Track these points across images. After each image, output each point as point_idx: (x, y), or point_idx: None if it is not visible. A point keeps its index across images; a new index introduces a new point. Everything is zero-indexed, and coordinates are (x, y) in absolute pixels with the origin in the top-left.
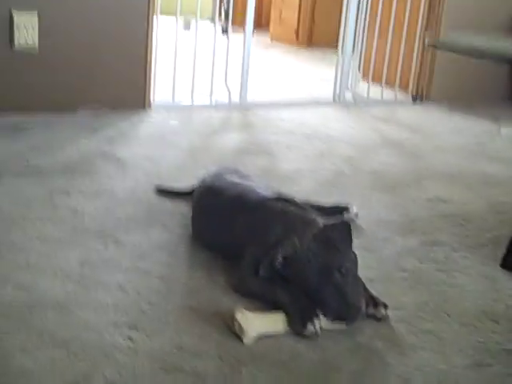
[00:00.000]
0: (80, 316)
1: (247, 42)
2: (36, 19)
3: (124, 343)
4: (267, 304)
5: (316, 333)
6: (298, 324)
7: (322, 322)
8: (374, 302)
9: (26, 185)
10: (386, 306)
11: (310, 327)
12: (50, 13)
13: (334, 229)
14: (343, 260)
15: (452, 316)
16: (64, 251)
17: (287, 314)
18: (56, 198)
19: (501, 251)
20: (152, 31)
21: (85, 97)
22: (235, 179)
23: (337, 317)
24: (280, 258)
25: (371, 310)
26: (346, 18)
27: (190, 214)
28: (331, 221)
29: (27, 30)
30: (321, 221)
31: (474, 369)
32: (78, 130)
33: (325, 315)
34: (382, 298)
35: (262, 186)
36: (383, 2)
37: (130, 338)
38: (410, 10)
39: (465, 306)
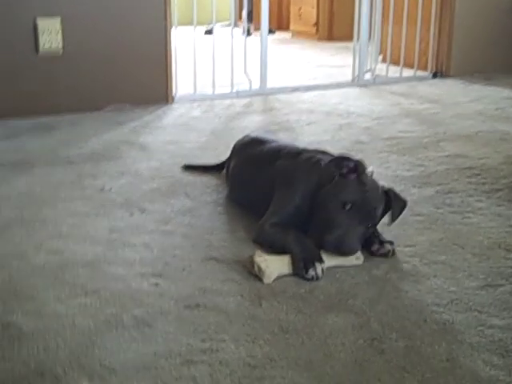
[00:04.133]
0: (108, 271)
1: (264, 29)
2: (59, 24)
3: (150, 289)
4: (280, 251)
5: (317, 276)
6: (300, 268)
7: (328, 263)
8: (379, 240)
9: (55, 172)
10: (391, 243)
11: (310, 272)
12: (73, 18)
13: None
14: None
15: (465, 248)
16: (92, 222)
17: (292, 258)
18: (84, 180)
19: None
20: (170, 29)
21: (109, 96)
22: (273, 137)
23: (332, 248)
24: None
25: (376, 247)
26: (359, 4)
27: (227, 172)
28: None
29: (51, 34)
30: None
31: (485, 289)
32: (104, 124)
33: (323, 245)
34: (397, 240)
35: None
36: None
37: (156, 285)
38: None
39: (478, 240)
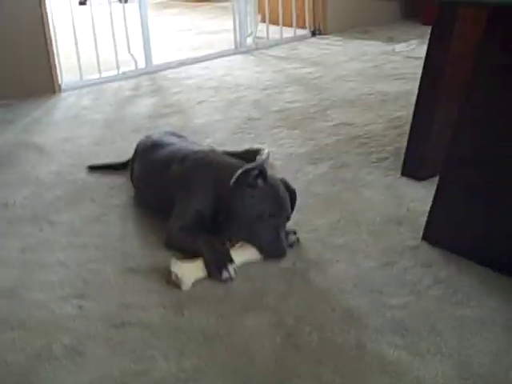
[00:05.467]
0: (29, 298)
1: (143, 5)
2: None
3: (74, 312)
4: (192, 254)
5: (231, 277)
6: (214, 271)
7: (238, 260)
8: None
9: None
10: (295, 232)
11: (224, 274)
12: None
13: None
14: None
15: (361, 227)
16: (3, 242)
17: (205, 262)
18: None
19: (400, 162)
20: (46, 13)
21: None
22: (172, 139)
23: (269, 255)
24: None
25: None
26: None
27: (132, 175)
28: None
29: None
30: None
31: (383, 268)
32: None
33: (260, 252)
34: (299, 225)
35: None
36: None
37: (80, 307)
38: None
39: (372, 217)
